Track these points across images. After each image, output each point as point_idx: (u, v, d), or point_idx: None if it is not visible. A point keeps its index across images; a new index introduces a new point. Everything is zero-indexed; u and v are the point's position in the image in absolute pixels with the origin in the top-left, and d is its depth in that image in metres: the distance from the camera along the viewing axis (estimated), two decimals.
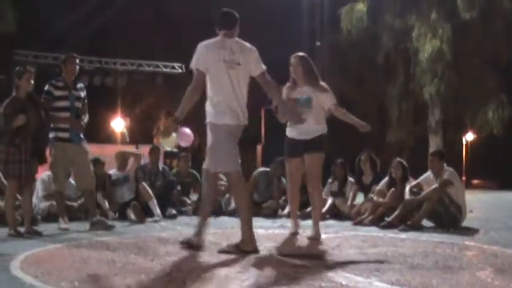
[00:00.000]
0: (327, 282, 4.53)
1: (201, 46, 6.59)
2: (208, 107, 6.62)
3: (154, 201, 10.36)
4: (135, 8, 26.52)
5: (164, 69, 22.50)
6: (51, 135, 8.56)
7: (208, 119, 6.63)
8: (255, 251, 6.23)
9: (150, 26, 26.36)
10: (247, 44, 6.74)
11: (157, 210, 10.26)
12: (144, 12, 26.54)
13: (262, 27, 24.86)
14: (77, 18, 24.84)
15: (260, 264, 5.38)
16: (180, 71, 21.96)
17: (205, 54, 6.54)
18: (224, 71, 6.51)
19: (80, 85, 8.92)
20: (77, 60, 8.90)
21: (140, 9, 26.91)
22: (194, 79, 6.61)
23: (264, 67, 6.74)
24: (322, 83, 7.81)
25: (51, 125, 8.55)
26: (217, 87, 6.56)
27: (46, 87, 8.61)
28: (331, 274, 4.86)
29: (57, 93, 8.51)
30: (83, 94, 8.86)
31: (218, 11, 6.83)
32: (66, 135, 8.49)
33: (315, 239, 7.49)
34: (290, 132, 7.91)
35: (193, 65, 6.60)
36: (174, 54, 22.61)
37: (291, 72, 7.87)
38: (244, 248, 6.21)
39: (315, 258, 5.81)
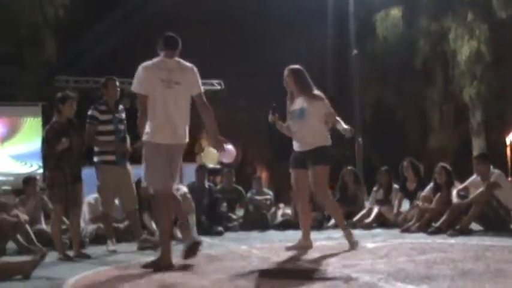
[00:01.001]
0: None
1: (140, 68, 6.76)
2: (146, 126, 6.70)
3: (194, 216, 10.37)
4: (172, 29, 26.72)
5: (204, 87, 22.59)
6: (96, 159, 8.65)
7: (143, 137, 6.74)
8: (170, 266, 6.46)
9: (189, 45, 26.56)
10: (188, 64, 6.91)
11: (194, 228, 10.28)
12: (181, 32, 26.73)
13: (298, 38, 24.93)
14: (116, 42, 25.09)
15: (309, 276, 5.37)
16: (219, 87, 22.00)
17: (144, 76, 6.70)
18: (161, 90, 6.63)
19: (120, 107, 8.99)
20: (117, 83, 8.97)
21: (177, 29, 27.10)
22: (139, 103, 6.84)
23: (201, 89, 6.88)
24: (316, 92, 7.74)
25: (97, 149, 8.65)
26: (153, 107, 6.65)
27: (90, 112, 8.65)
28: (381, 284, 4.84)
29: (102, 117, 8.57)
30: (124, 116, 8.95)
31: (163, 35, 7.07)
32: (112, 158, 8.56)
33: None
34: (294, 143, 7.95)
35: (134, 88, 6.78)
36: (213, 71, 22.70)
37: (284, 85, 7.93)
38: (161, 264, 6.47)
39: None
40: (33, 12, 23.18)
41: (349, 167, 12.29)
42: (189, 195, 10.57)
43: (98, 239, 9.59)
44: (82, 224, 9.89)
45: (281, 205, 12.61)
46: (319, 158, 7.58)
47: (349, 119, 21.86)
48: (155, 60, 6.82)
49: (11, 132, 19.30)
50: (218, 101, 20.73)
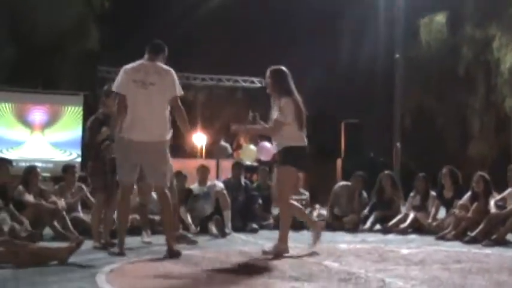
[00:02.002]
0: None
1: (122, 69, 7.25)
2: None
3: (229, 212, 10.41)
4: (214, 23, 26.77)
5: (243, 84, 22.67)
6: None
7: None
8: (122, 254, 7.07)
9: (229, 41, 26.58)
10: (165, 67, 7.26)
11: (229, 223, 10.31)
12: (223, 27, 26.76)
13: (342, 41, 24.87)
14: (157, 34, 25.24)
15: (343, 279, 5.37)
16: (259, 85, 22.04)
17: (122, 77, 7.22)
18: (135, 90, 7.08)
19: None
20: None
21: (218, 24, 27.16)
22: (117, 102, 7.34)
23: (178, 92, 7.18)
24: (284, 97, 7.57)
25: None
26: (129, 106, 7.11)
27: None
28: None
29: None
30: None
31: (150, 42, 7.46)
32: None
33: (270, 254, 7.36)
34: None
35: (114, 88, 7.30)
36: (253, 68, 22.73)
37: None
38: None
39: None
40: (77, 2, 23.40)
41: (386, 171, 12.22)
42: (225, 192, 10.62)
43: (133, 230, 9.66)
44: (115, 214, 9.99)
45: (317, 206, 12.57)
46: (282, 160, 7.54)
47: (389, 123, 21.88)
48: (136, 62, 7.28)
49: (52, 120, 19.52)
50: (259, 99, 20.79)
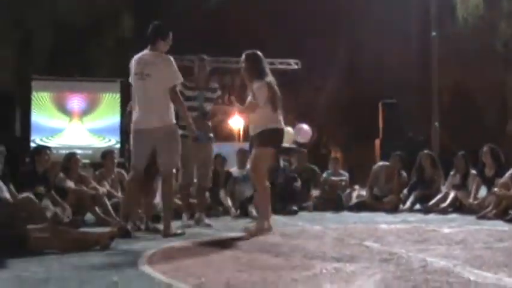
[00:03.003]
0: (454, 277, 4.44)
1: (131, 61, 7.70)
2: None
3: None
4: (250, 7, 26.69)
5: (280, 66, 22.59)
6: (180, 132, 8.78)
7: None
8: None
9: (265, 23, 26.49)
10: (163, 56, 7.51)
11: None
12: (259, 9, 26.66)
13: (377, 19, 24.64)
14: (192, 20, 25.22)
15: (385, 259, 5.35)
16: (296, 67, 21.97)
17: (131, 69, 7.66)
18: (136, 82, 7.55)
19: (213, 85, 9.09)
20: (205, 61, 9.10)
21: (254, 5, 27.05)
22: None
23: (173, 82, 7.40)
24: (256, 81, 7.73)
25: (181, 123, 8.77)
26: (134, 97, 7.68)
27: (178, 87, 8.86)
28: (457, 269, 4.78)
29: (188, 93, 8.66)
30: (215, 95, 9.03)
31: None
32: (193, 133, 8.66)
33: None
34: None
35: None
36: (290, 50, 22.64)
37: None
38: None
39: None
40: None
41: (425, 151, 12.15)
42: None
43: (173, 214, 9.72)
44: (158, 199, 10.04)
45: (356, 186, 12.57)
46: (258, 142, 7.71)
47: (427, 102, 21.72)
48: (140, 53, 7.66)
49: (90, 108, 19.70)
50: (296, 81, 20.73)
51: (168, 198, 7.77)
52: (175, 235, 7.39)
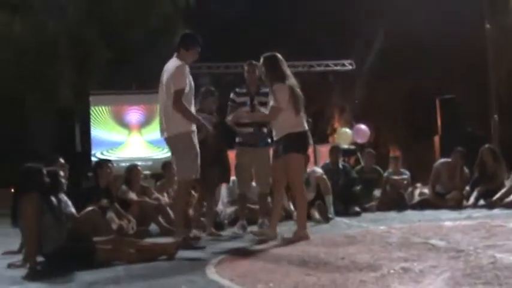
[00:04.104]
0: None
1: None
2: None
3: (331, 197, 10.37)
4: (300, 9, 26.65)
5: (335, 68, 22.53)
6: (236, 140, 8.83)
7: None
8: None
9: (318, 25, 26.42)
10: (173, 63, 7.45)
11: (331, 208, 10.27)
12: (310, 11, 26.62)
13: (430, 11, 24.37)
14: (243, 28, 25.30)
15: (453, 257, 5.29)
16: (350, 67, 21.91)
17: None
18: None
19: (264, 90, 9.09)
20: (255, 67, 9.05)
21: (304, 8, 27.00)
22: None
23: (175, 88, 7.25)
24: (276, 84, 7.63)
25: (235, 130, 8.81)
26: None
27: (231, 95, 8.96)
28: None
29: (239, 99, 8.73)
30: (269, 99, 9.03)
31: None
32: (247, 140, 8.66)
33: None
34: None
35: None
36: (344, 51, 22.58)
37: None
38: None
39: None
40: (165, 1, 23.71)
41: (487, 145, 11.97)
42: (324, 177, 10.59)
43: (236, 221, 9.74)
44: (220, 207, 10.13)
45: (418, 185, 12.47)
46: (287, 146, 7.55)
47: (484, 95, 21.42)
48: None
49: (148, 120, 19.86)
50: (351, 81, 20.64)
51: (175, 205, 7.93)
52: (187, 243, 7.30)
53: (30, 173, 6.31)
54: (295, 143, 7.56)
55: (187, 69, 7.39)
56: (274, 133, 7.81)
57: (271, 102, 7.60)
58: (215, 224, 8.95)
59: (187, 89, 7.30)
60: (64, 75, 20.95)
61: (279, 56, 7.76)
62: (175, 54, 7.57)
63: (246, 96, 8.73)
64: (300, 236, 7.39)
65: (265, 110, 7.98)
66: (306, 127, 7.73)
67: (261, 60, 7.83)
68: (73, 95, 20.81)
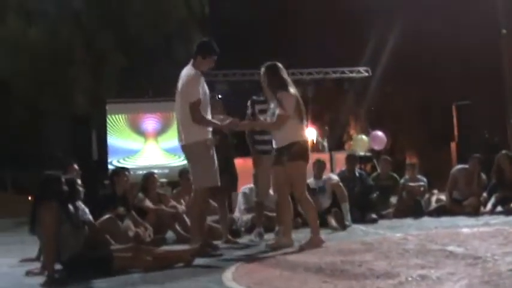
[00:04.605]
0: None
1: None
2: None
3: (347, 204, 10.34)
4: (313, 16, 26.67)
5: (350, 74, 22.51)
6: (254, 147, 8.84)
7: None
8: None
9: (332, 33, 26.43)
10: (187, 72, 7.45)
11: (348, 215, 10.24)
12: (325, 20, 26.63)
13: (446, 18, 24.32)
14: (259, 35, 25.35)
15: (470, 264, 5.27)
16: (366, 74, 21.88)
17: None
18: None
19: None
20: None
21: (318, 16, 27.02)
22: None
23: (188, 98, 7.28)
24: (279, 92, 7.64)
25: (254, 138, 8.82)
26: None
27: (248, 103, 9.01)
28: None
29: (258, 107, 8.75)
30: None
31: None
32: (265, 147, 8.66)
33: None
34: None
35: None
36: (359, 58, 22.58)
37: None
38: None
39: None
40: (180, 9, 23.77)
41: (503, 151, 11.91)
42: (341, 184, 10.57)
43: (253, 228, 9.74)
44: (237, 214, 10.14)
45: (435, 191, 12.44)
46: (291, 155, 7.54)
47: (500, 101, 21.31)
48: None
49: (165, 127, 19.85)
50: (367, 88, 20.61)
51: (191, 212, 7.98)
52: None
53: (49, 181, 6.35)
54: (300, 152, 7.59)
55: (201, 78, 7.44)
56: (275, 141, 7.82)
57: (277, 111, 7.58)
58: (232, 231, 8.97)
59: (201, 98, 7.32)
60: (79, 81, 21.03)
61: (280, 64, 7.82)
62: (191, 62, 7.55)
63: (264, 103, 8.71)
64: (314, 243, 7.42)
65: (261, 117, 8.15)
66: (307, 136, 7.93)
67: (262, 69, 7.87)
68: (89, 102, 20.89)
